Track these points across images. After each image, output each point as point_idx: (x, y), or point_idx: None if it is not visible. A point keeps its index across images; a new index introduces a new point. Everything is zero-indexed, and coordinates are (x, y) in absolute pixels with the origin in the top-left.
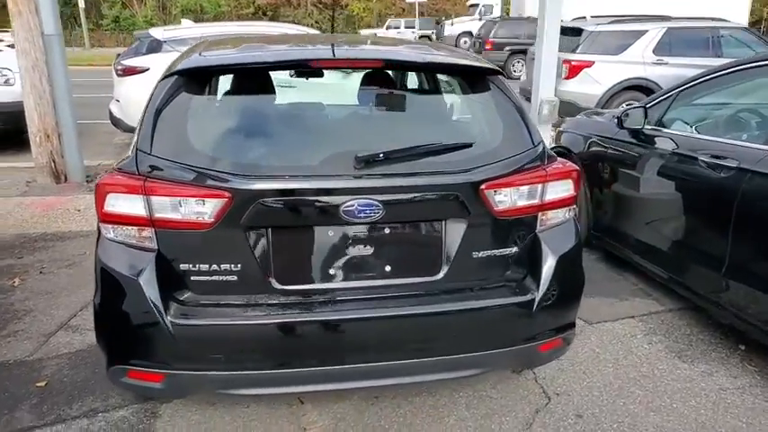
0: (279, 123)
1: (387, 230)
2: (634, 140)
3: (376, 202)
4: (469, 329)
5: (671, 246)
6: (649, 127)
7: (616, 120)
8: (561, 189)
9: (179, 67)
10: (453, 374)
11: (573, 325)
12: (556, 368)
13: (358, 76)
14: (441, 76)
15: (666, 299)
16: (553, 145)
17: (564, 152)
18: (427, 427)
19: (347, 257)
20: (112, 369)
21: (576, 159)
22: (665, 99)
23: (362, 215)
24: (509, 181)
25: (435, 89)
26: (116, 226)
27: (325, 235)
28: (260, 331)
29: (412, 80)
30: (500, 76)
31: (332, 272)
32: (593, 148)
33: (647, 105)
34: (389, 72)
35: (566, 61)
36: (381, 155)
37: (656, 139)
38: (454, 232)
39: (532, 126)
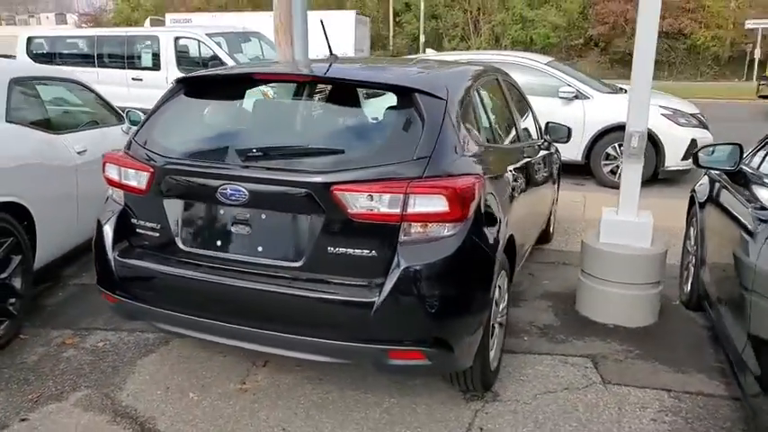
0: (209, 123)
1: (263, 216)
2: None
3: (242, 189)
4: (319, 317)
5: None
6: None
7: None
8: (431, 204)
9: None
10: (308, 356)
11: (442, 344)
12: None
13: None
14: (372, 91)
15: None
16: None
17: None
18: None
19: (230, 233)
20: (99, 290)
21: (696, 205)
22: None
23: (233, 198)
24: (360, 187)
25: (360, 101)
26: (110, 187)
27: (214, 211)
28: (167, 280)
29: (344, 93)
30: (422, 95)
31: (218, 243)
32: (702, 190)
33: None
34: (323, 85)
35: None
36: (254, 150)
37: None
38: (314, 226)
39: (426, 141)
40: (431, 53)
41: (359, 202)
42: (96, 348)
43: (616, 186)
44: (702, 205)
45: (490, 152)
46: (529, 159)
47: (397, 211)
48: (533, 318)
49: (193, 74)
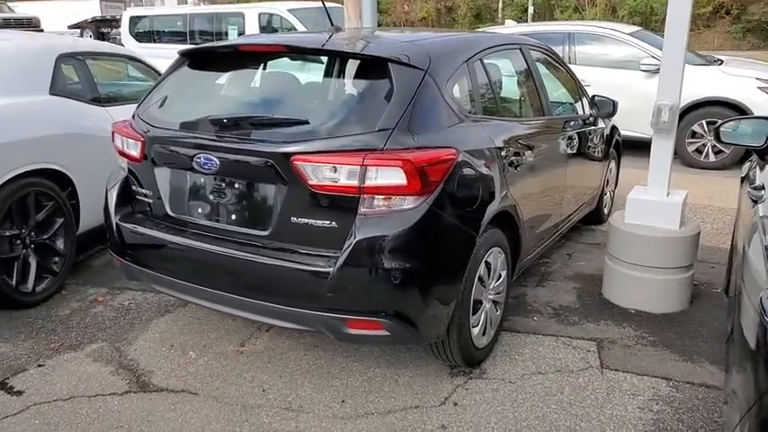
0: (195, 94)
1: (234, 185)
2: None
3: (213, 158)
4: (283, 285)
5: None
6: None
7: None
8: (389, 177)
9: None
10: (273, 321)
11: (400, 317)
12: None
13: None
14: (350, 61)
15: None
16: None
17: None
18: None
19: (208, 201)
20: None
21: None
22: None
23: (206, 167)
24: (320, 158)
25: (335, 73)
26: (118, 156)
27: (193, 180)
28: (157, 244)
29: (319, 64)
30: (396, 65)
31: (199, 210)
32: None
33: None
34: (302, 56)
35: None
36: (225, 120)
37: None
38: (279, 197)
39: (392, 113)
40: (510, 24)
41: (319, 174)
42: (122, 306)
43: (703, 167)
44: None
45: (486, 125)
46: (554, 133)
47: (355, 183)
48: (552, 298)
49: (191, 47)
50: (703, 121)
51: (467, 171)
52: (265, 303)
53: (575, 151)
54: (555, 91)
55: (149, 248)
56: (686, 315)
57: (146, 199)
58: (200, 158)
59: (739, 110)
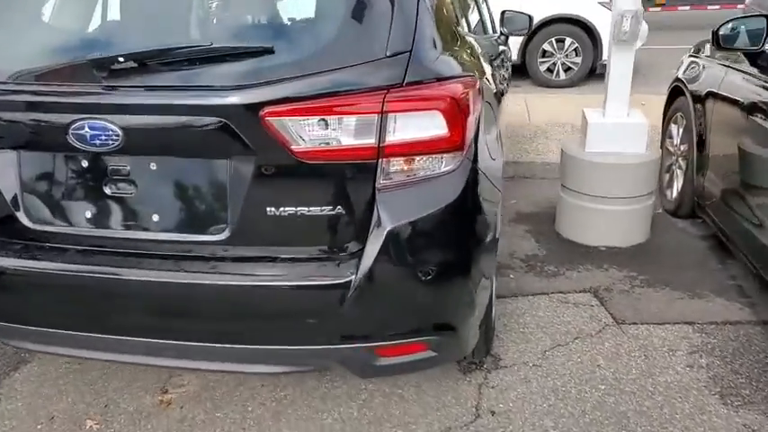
0: (52, 20)
1: (152, 166)
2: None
3: (109, 125)
4: (263, 313)
5: None
6: None
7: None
8: (422, 125)
9: None
10: (256, 369)
11: (447, 327)
12: (507, 376)
13: None
14: None
15: None
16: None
17: (679, 89)
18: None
19: (104, 198)
20: None
21: (689, 97)
22: None
23: (97, 141)
24: (308, 107)
25: None
26: None
27: (71, 165)
28: (9, 276)
29: None
30: None
31: (87, 214)
32: (705, 79)
33: None
34: None
35: None
36: (121, 59)
37: None
38: (239, 177)
39: (401, 28)
40: None
41: (307, 133)
42: None
43: (553, 86)
44: (700, 97)
45: (469, 47)
46: (496, 57)
47: (371, 141)
48: (513, 248)
49: None
50: (553, 39)
51: (485, 108)
52: (236, 346)
53: (504, 76)
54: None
55: None
56: (654, 245)
57: None
58: (81, 128)
59: (584, 26)
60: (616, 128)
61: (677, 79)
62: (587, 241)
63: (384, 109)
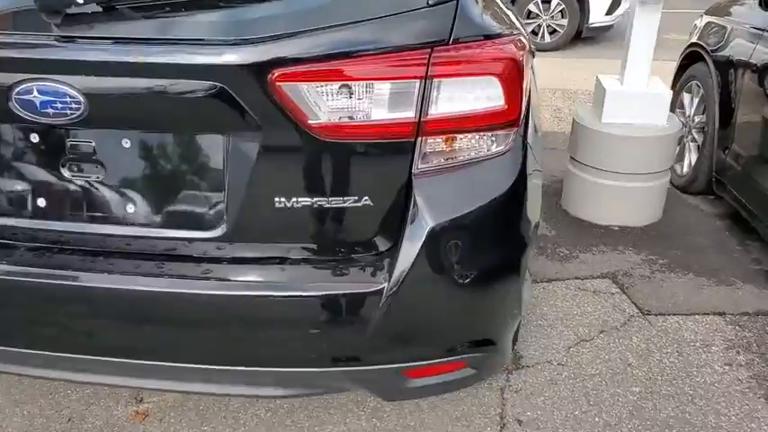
0: None
1: (124, 143)
2: None
3: (66, 88)
4: (270, 328)
5: None
6: None
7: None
8: (472, 95)
9: None
10: (260, 392)
11: (488, 342)
12: (532, 384)
13: None
14: None
15: None
16: (692, 41)
17: (696, 54)
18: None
19: (62, 183)
20: None
21: (710, 64)
22: None
23: (50, 110)
24: (333, 69)
25: None
26: None
27: (20, 141)
28: None
29: None
30: None
31: (41, 203)
32: (734, 46)
33: None
34: None
35: None
36: (80, 0)
37: None
38: (241, 158)
39: None
40: None
41: (327, 103)
42: None
43: (539, 49)
44: (726, 65)
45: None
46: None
47: (410, 114)
48: None
49: None
50: (538, 0)
51: (533, 75)
52: (236, 368)
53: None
54: None
55: None
56: (669, 224)
57: None
58: (29, 92)
59: None
60: (636, 97)
61: (694, 44)
62: (599, 220)
63: (429, 73)
